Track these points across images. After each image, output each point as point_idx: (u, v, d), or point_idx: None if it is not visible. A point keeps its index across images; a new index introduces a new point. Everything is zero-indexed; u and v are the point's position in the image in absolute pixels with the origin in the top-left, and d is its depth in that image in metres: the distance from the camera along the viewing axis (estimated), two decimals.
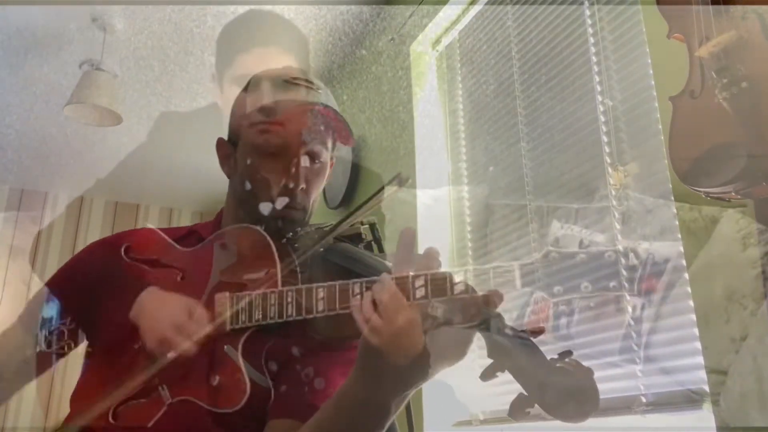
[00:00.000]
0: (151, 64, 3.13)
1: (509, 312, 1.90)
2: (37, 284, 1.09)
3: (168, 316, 0.83)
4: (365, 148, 2.85)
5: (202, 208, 4.71)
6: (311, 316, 0.73)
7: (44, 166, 4.17)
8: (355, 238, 0.92)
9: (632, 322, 1.51)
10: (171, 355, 0.81)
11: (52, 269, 1.08)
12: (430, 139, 2.45)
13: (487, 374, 0.67)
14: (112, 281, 0.96)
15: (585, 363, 1.57)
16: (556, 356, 0.66)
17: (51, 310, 0.98)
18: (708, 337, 1.23)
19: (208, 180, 3.77)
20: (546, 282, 0.66)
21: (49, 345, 0.95)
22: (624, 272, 0.63)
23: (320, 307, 0.73)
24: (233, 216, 1.00)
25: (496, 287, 0.67)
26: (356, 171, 2.85)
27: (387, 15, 2.73)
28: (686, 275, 1.35)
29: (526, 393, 0.64)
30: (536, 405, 0.65)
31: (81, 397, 0.91)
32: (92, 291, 0.97)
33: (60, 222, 4.54)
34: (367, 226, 0.93)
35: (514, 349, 0.66)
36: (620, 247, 0.64)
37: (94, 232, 4.54)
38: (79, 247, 4.80)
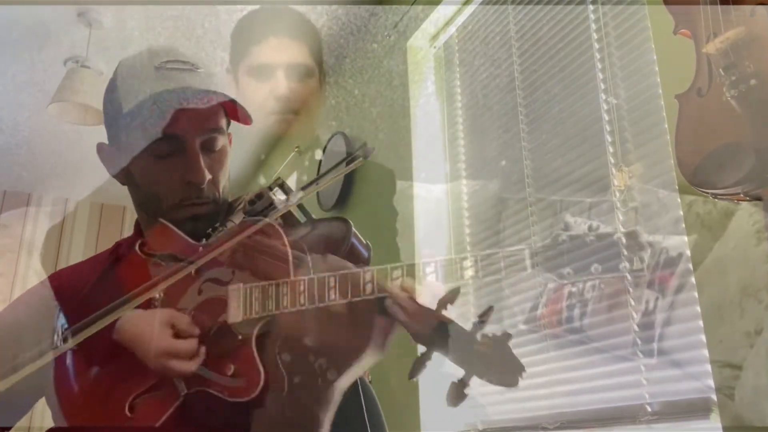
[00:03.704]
0: None
1: (522, 302, 1.90)
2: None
3: (155, 346, 0.85)
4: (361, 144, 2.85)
5: None
6: (323, 304, 0.76)
7: (27, 166, 4.16)
8: (270, 209, 0.91)
9: (637, 328, 1.51)
10: (174, 375, 0.83)
11: (38, 274, 1.08)
12: (428, 136, 2.45)
13: (417, 367, 0.71)
14: (117, 286, 0.96)
15: (596, 358, 1.57)
16: (475, 322, 0.70)
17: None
18: (722, 331, 1.24)
19: None
20: (556, 265, 0.68)
21: (65, 340, 0.96)
22: (624, 251, 0.65)
23: (332, 296, 0.75)
24: (147, 224, 1.01)
25: (507, 271, 0.69)
26: (352, 171, 2.84)
27: (389, 12, 2.74)
28: (693, 279, 1.35)
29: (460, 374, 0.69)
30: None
31: (91, 394, 0.92)
32: (94, 299, 0.98)
33: (43, 224, 4.52)
34: (276, 189, 0.92)
35: (438, 335, 0.70)
36: (631, 228, 0.67)
37: (78, 234, 4.53)
38: (64, 251, 4.76)
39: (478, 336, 0.68)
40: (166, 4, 2.78)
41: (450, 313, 0.71)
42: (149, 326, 0.86)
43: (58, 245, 4.50)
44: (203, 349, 0.84)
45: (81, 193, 4.52)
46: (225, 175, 1.00)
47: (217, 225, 0.93)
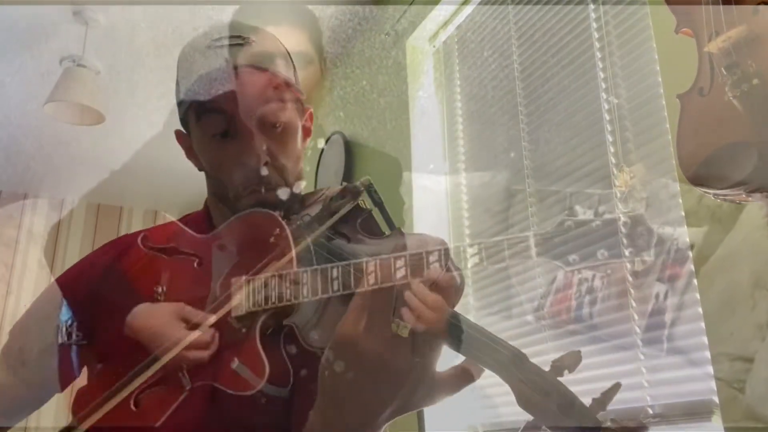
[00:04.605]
0: (135, 59, 3.12)
1: (529, 301, 1.89)
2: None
3: (170, 340, 0.84)
4: (361, 143, 2.85)
5: (188, 210, 4.69)
6: (327, 296, 0.75)
7: (23, 166, 4.15)
8: (353, 210, 0.86)
9: (638, 330, 1.51)
10: (186, 365, 0.83)
11: (30, 277, 1.09)
12: (428, 133, 2.46)
13: None
14: (121, 280, 0.97)
15: (597, 359, 1.56)
16: (595, 399, 0.64)
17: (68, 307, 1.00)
18: (733, 323, 1.24)
19: (194, 180, 3.74)
20: (561, 251, 0.66)
21: (69, 336, 0.96)
22: (624, 235, 0.64)
23: (335, 287, 0.74)
24: (216, 208, 1.00)
25: (512, 259, 0.67)
26: (350, 168, 2.85)
27: (387, 12, 2.74)
28: (695, 281, 1.35)
29: None
30: None
31: (95, 389, 0.91)
32: (100, 294, 0.98)
33: (40, 225, 4.52)
34: (362, 191, 0.86)
35: (548, 402, 0.65)
36: (637, 212, 0.65)
37: (75, 235, 4.52)
38: (60, 252, 4.75)
39: (606, 420, 0.62)
40: (164, 4, 2.77)
41: (566, 379, 0.65)
42: (161, 320, 0.85)
43: (54, 246, 4.50)
44: (217, 337, 0.83)
45: (77, 193, 4.52)
46: (291, 158, 0.94)
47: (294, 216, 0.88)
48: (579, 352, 0.65)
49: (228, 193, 0.93)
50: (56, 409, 0.95)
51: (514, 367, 0.67)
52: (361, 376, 0.67)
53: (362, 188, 0.87)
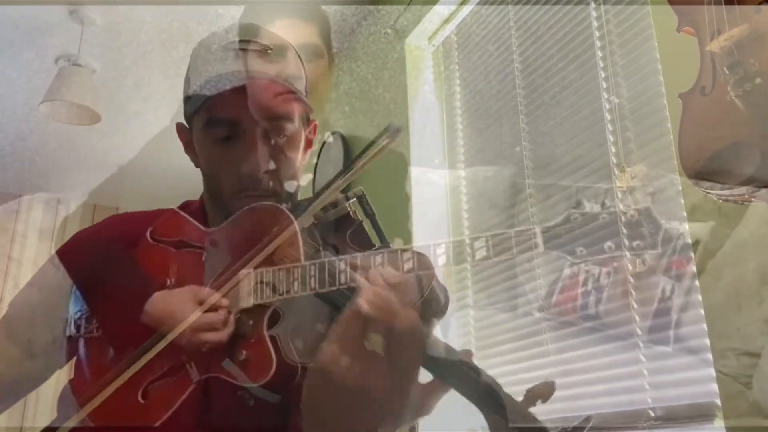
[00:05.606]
0: (133, 58, 3.11)
1: (536, 281, 1.89)
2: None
3: (184, 319, 0.84)
4: (363, 139, 2.85)
5: None
6: (334, 288, 0.75)
7: (18, 167, 4.14)
8: (344, 220, 0.87)
9: (640, 332, 1.51)
10: (206, 348, 0.83)
11: (26, 276, 1.08)
12: (426, 132, 2.46)
13: None
14: (131, 263, 0.97)
15: (597, 361, 1.56)
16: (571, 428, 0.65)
17: (77, 297, 1.00)
18: (741, 319, 1.24)
19: (192, 180, 3.74)
20: (569, 244, 0.67)
21: (78, 329, 0.96)
22: (622, 233, 0.64)
23: (342, 280, 0.75)
24: (209, 204, 1.01)
25: (519, 252, 0.68)
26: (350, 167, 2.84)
27: (385, 11, 2.74)
28: (697, 283, 1.35)
29: None
30: None
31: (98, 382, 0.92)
32: (106, 270, 0.98)
33: (35, 225, 4.51)
34: (354, 200, 0.87)
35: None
36: (645, 205, 0.65)
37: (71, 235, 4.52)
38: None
39: None
40: (164, 4, 2.77)
41: (568, 380, 0.66)
42: (178, 305, 0.85)
43: (50, 250, 4.50)
44: (232, 318, 0.83)
45: (77, 191, 4.51)
46: (291, 168, 0.95)
47: None
48: (553, 383, 0.65)
49: (222, 193, 0.94)
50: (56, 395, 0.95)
51: (488, 397, 0.68)
52: (345, 404, 0.66)
53: (353, 197, 0.88)
